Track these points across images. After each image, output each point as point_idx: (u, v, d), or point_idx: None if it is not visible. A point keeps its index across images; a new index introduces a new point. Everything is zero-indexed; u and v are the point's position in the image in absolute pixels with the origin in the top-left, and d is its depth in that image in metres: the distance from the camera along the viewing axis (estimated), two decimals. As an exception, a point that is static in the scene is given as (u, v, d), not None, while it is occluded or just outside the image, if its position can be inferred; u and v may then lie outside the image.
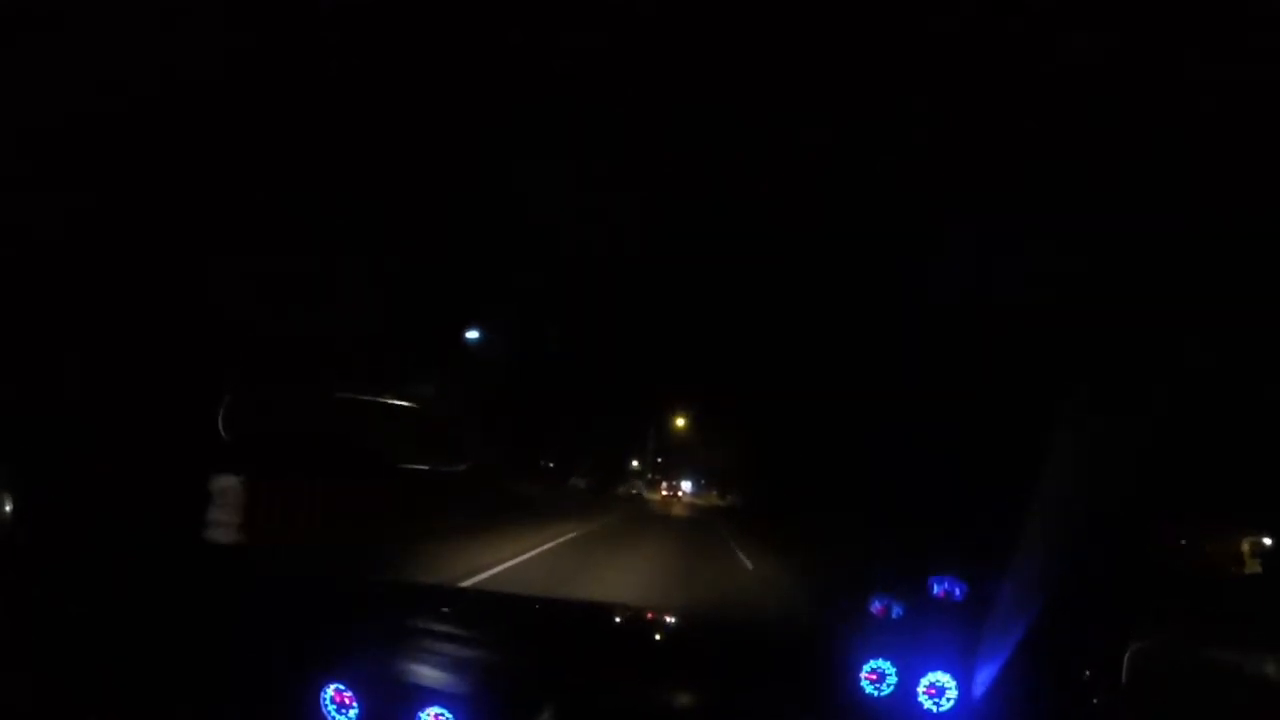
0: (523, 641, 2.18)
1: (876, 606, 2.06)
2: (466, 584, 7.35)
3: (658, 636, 2.53)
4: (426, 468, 2.06)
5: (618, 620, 2.70)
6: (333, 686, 1.66)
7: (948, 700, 1.70)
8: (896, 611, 2.07)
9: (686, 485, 68.64)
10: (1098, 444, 1.52)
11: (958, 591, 2.20)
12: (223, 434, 1.71)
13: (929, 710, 1.70)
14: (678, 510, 40.76)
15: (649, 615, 2.93)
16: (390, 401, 1.93)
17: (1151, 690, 1.63)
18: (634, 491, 56.24)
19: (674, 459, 71.41)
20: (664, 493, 60.42)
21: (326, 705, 1.66)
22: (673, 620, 2.84)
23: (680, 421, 64.57)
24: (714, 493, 65.03)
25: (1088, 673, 1.68)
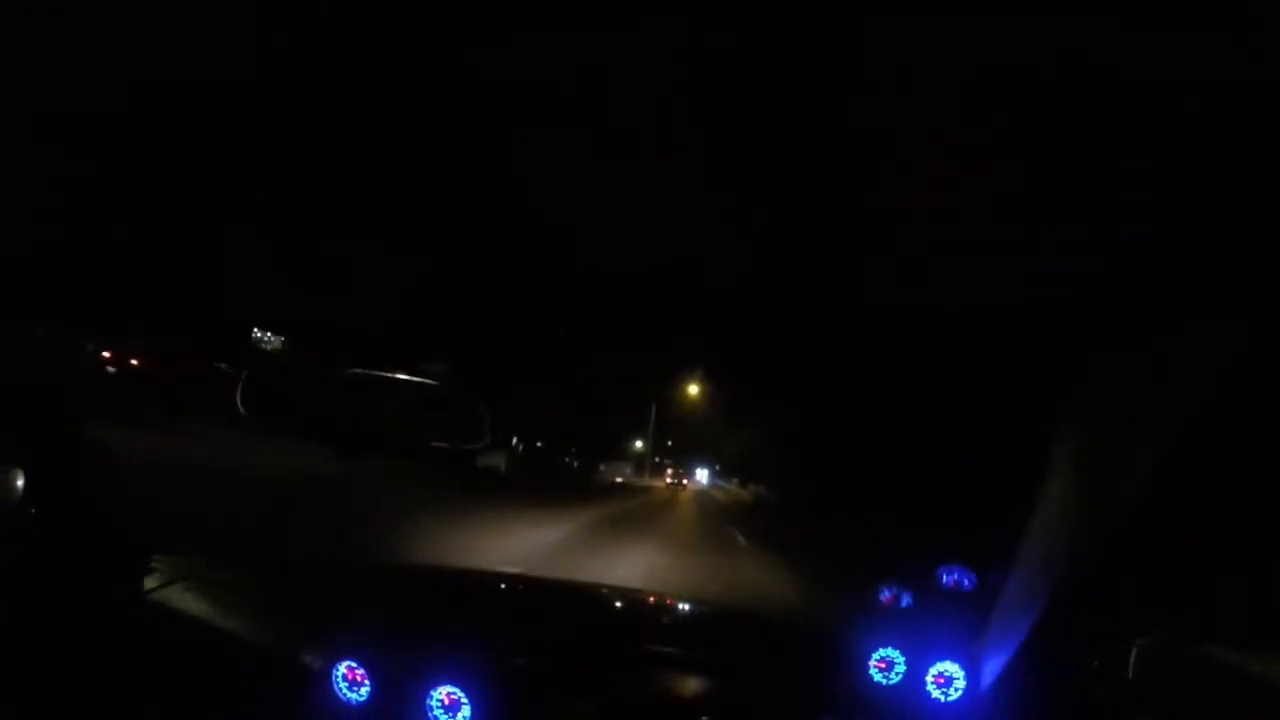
0: (533, 622, 2.19)
1: (885, 595, 2.07)
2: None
3: (667, 621, 2.54)
4: (446, 445, 2.05)
5: (629, 604, 2.72)
6: (345, 664, 1.67)
7: (956, 690, 1.70)
8: (905, 600, 2.08)
9: (701, 474, 57.49)
10: (1104, 439, 1.51)
11: (966, 581, 2.21)
12: (241, 410, 1.72)
13: (937, 699, 1.71)
14: (677, 515, 22.93)
15: (660, 600, 2.94)
16: (406, 378, 1.93)
17: (1156, 687, 1.63)
18: (617, 479, 41.29)
19: (686, 440, 57.52)
20: (667, 480, 50.40)
21: (339, 683, 1.67)
22: (683, 606, 2.85)
23: (693, 390, 48.55)
24: (735, 481, 53.81)
25: (1096, 663, 1.68)
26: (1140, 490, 1.35)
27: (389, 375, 1.91)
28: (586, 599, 2.70)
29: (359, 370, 1.92)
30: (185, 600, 1.87)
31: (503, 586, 2.83)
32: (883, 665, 1.75)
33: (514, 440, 27.05)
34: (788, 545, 14.73)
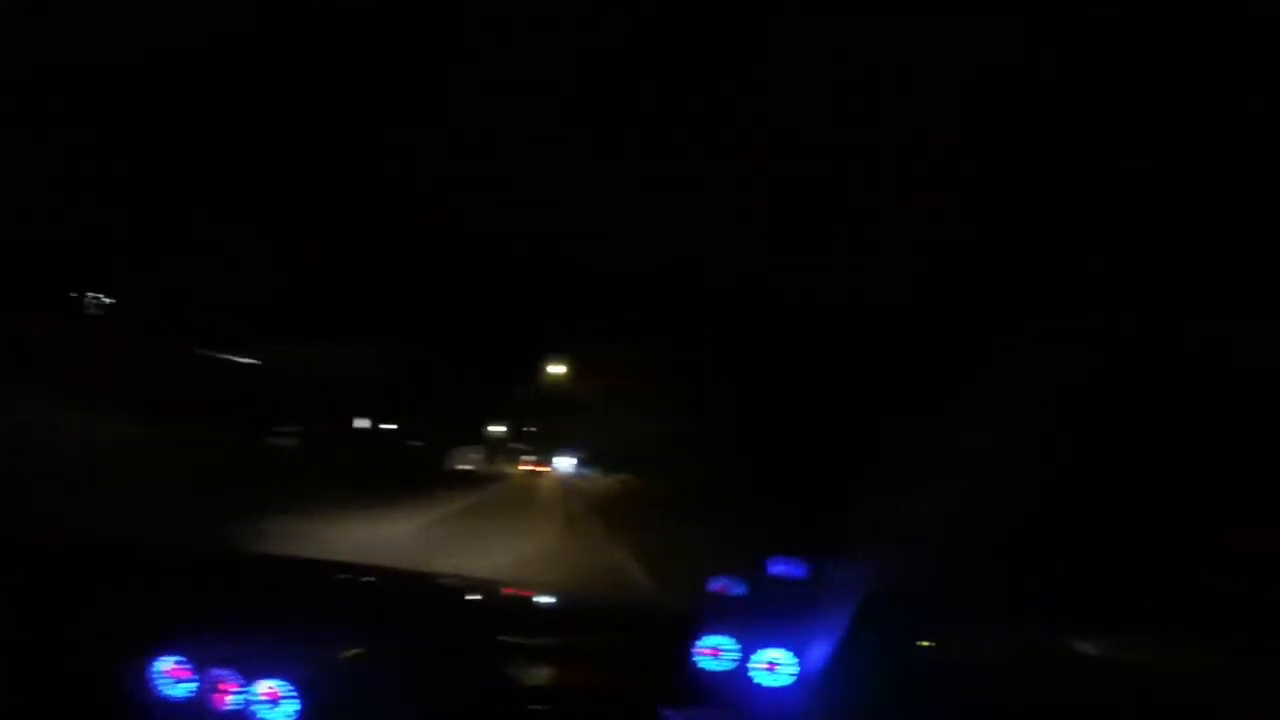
0: (369, 612, 2.12)
1: (715, 585, 2.13)
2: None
3: (501, 611, 2.52)
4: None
5: (464, 593, 2.67)
6: (170, 660, 1.56)
7: (787, 675, 1.75)
8: (737, 590, 2.14)
9: (563, 461, 51.67)
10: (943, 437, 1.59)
11: (798, 571, 2.28)
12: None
13: (765, 685, 1.75)
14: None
15: (493, 589, 2.91)
16: (234, 359, 1.82)
17: (1011, 673, 1.74)
18: (460, 467, 38.32)
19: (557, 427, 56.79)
20: (526, 467, 47.94)
21: (157, 679, 1.56)
22: (517, 596, 2.83)
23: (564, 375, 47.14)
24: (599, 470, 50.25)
25: (927, 646, 1.76)
26: (977, 486, 1.43)
27: (219, 356, 1.80)
28: (424, 588, 2.63)
29: (199, 351, 1.80)
30: None
31: (338, 576, 2.72)
32: (710, 651, 1.78)
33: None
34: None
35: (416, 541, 9.87)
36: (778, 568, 2.16)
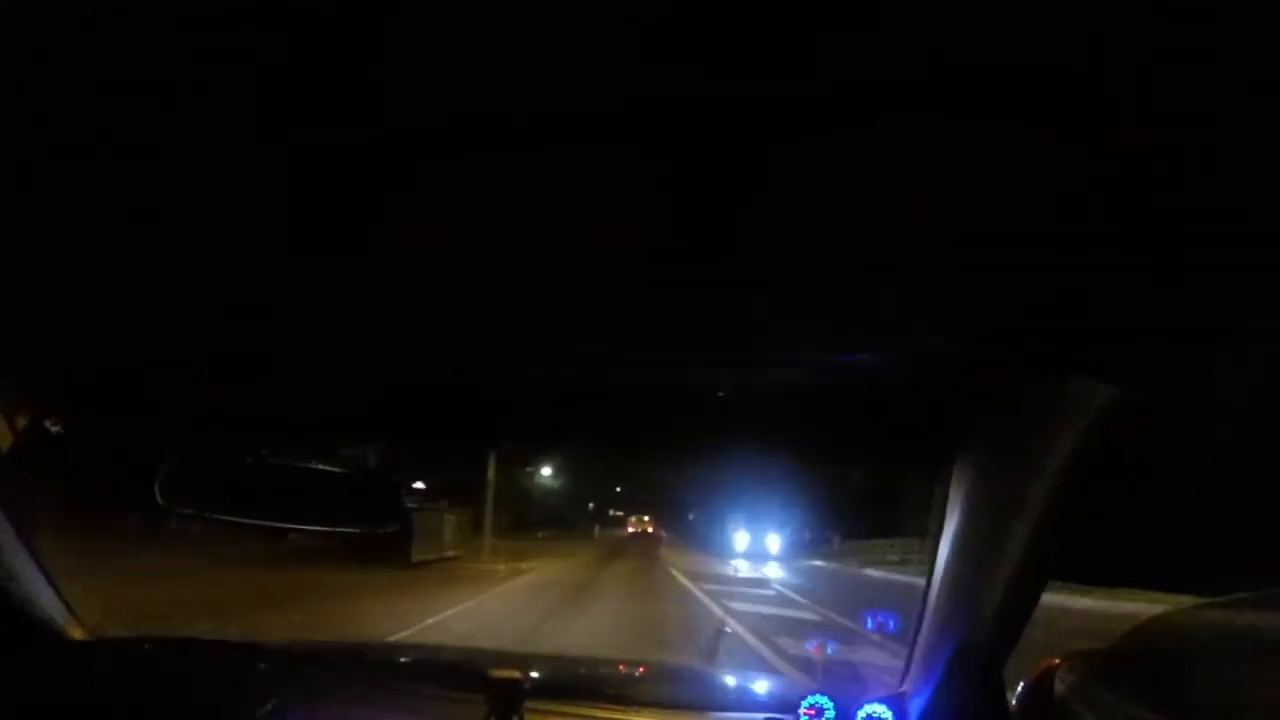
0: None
1: (812, 645, 2.13)
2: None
3: (608, 679, 2.53)
4: (359, 530, 2.05)
5: (555, 666, 2.69)
6: None
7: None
8: (832, 648, 2.14)
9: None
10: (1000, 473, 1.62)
11: (891, 624, 2.28)
12: (160, 501, 1.68)
13: (868, 743, 1.75)
14: None
15: (604, 663, 2.92)
16: (322, 467, 1.92)
17: (1081, 704, 1.71)
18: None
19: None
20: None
21: None
22: (621, 668, 2.84)
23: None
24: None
25: (1021, 687, 1.74)
26: (1038, 523, 1.44)
27: (304, 464, 1.91)
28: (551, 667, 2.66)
29: (277, 460, 1.91)
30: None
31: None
32: (812, 713, 1.80)
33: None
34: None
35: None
36: (875, 621, 2.17)
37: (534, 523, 31.98)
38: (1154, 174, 0.86)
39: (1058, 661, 1.72)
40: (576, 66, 0.78)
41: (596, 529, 40.63)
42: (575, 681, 2.36)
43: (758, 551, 28.07)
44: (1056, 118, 0.80)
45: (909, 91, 0.78)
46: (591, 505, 46.98)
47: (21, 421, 1.76)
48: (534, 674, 1.90)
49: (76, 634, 1.88)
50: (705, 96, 0.81)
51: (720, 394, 1.62)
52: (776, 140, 0.87)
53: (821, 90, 0.79)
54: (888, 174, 0.92)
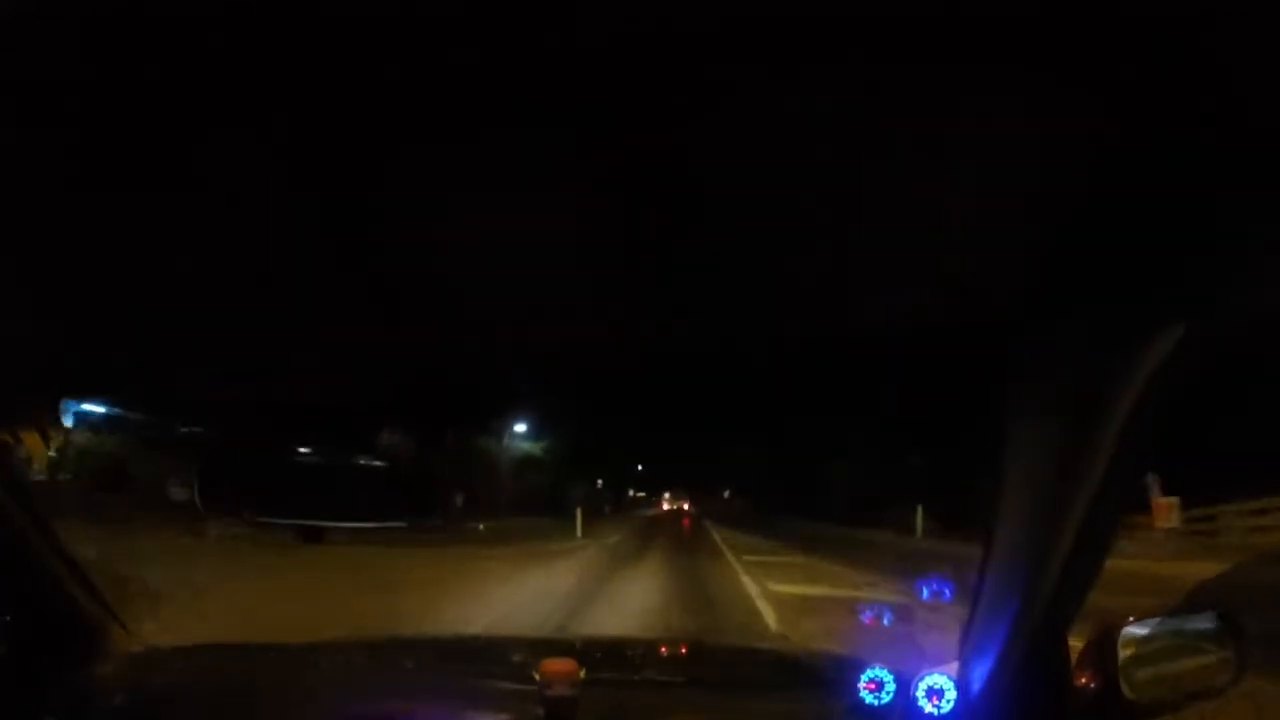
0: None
1: (867, 616, 2.08)
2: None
3: (666, 659, 2.52)
4: (403, 524, 2.04)
5: (611, 650, 2.68)
6: None
7: (947, 702, 1.70)
8: (887, 618, 2.09)
9: None
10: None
11: (946, 592, 2.22)
12: (199, 505, 1.68)
13: (930, 714, 1.71)
14: None
15: (666, 642, 2.92)
16: (362, 462, 1.92)
17: (1139, 669, 1.65)
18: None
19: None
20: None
21: None
22: (673, 646, 2.83)
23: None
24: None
25: (1082, 650, 1.69)
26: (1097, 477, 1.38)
27: (342, 462, 1.90)
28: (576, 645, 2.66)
29: (312, 458, 1.90)
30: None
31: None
32: (872, 686, 1.76)
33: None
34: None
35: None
36: (930, 589, 2.11)
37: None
38: (1200, 105, 0.81)
39: (1118, 623, 1.66)
40: None
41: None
42: (627, 665, 2.35)
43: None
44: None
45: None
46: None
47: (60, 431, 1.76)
48: (586, 659, 1.88)
49: (128, 645, 1.89)
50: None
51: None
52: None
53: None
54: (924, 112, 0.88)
